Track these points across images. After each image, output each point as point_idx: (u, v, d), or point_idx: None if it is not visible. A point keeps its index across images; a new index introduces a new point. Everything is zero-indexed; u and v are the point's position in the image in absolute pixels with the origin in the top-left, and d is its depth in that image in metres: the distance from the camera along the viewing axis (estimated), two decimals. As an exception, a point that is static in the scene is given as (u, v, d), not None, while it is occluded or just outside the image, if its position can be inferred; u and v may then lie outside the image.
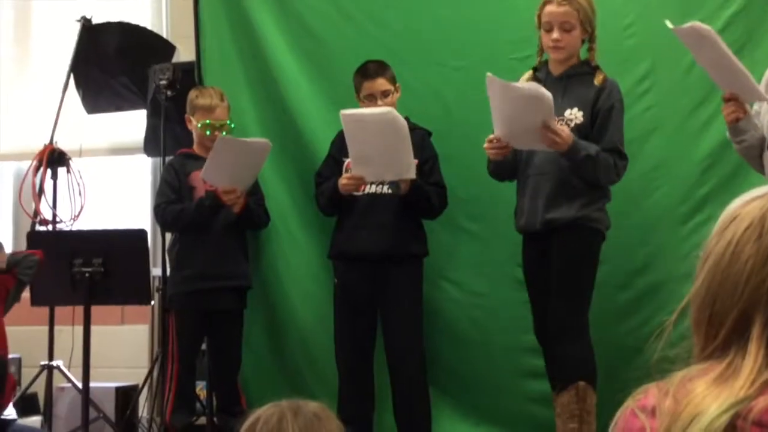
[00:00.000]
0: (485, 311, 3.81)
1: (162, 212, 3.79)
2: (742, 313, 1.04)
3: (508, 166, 3.37)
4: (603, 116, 3.24)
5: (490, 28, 3.84)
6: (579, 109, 3.25)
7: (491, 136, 3.23)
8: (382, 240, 3.59)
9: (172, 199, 3.81)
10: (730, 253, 1.06)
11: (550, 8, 3.23)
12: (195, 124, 3.81)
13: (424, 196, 3.58)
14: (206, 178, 3.68)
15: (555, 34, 3.22)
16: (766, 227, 1.05)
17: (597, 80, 3.25)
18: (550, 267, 3.24)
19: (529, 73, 3.37)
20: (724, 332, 1.06)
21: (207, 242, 3.77)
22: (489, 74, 3.14)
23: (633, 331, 3.39)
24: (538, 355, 3.53)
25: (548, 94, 3.07)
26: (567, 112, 3.26)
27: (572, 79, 3.30)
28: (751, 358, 1.02)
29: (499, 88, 3.12)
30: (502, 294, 3.76)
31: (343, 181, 3.54)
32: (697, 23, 2.94)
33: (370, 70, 3.65)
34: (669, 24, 2.97)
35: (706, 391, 1.02)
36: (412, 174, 3.49)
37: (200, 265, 3.75)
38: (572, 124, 3.24)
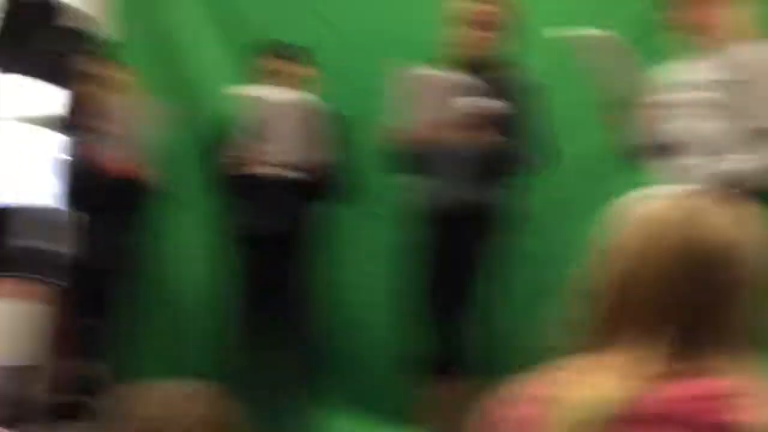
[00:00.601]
0: (386, 296, 3.77)
1: None
2: (652, 308, 1.06)
3: (415, 156, 3.35)
4: (519, 107, 3.26)
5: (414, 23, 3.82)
6: (494, 98, 3.24)
7: (401, 124, 3.23)
8: (283, 219, 3.58)
9: None
10: (645, 250, 1.08)
11: (474, 5, 3.27)
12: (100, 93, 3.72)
13: (329, 183, 3.58)
14: None
15: (477, 31, 3.25)
16: (683, 228, 1.07)
17: (513, 73, 3.29)
18: (456, 252, 3.29)
19: (448, 65, 3.35)
20: (633, 329, 1.07)
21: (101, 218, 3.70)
22: (398, 67, 3.15)
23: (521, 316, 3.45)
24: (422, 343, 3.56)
25: (457, 85, 3.14)
26: (484, 100, 3.24)
27: (486, 70, 3.29)
28: (660, 351, 1.04)
29: (410, 77, 3.15)
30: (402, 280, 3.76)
31: (246, 157, 3.51)
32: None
33: (285, 50, 3.63)
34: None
35: (600, 380, 1.04)
36: (318, 157, 3.47)
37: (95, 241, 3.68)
38: (488, 112, 3.23)
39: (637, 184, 1.26)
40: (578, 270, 1.12)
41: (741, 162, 2.76)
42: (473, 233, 3.26)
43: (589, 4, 3.75)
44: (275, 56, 3.62)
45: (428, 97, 3.13)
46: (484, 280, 3.31)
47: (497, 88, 3.26)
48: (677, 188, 1.14)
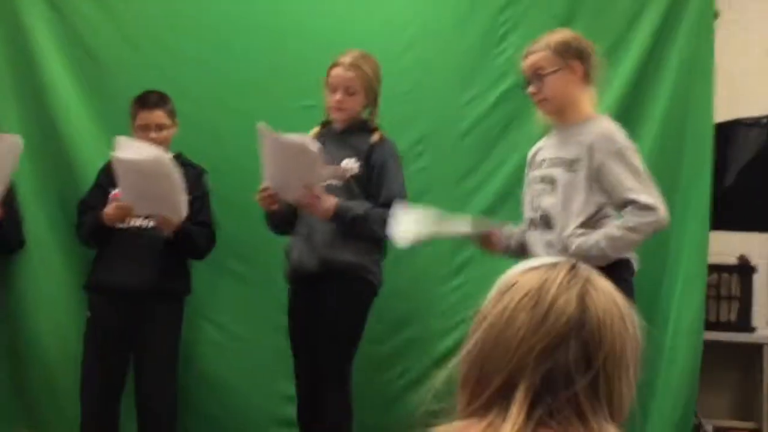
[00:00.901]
0: (244, 356, 3.77)
1: None
2: (509, 376, 1.08)
3: (280, 216, 3.40)
4: (378, 171, 3.35)
5: (278, 71, 3.85)
6: (356, 161, 3.35)
7: (262, 186, 3.27)
8: (143, 274, 3.47)
9: None
10: (506, 318, 1.11)
11: (337, 71, 3.36)
12: None
13: (189, 239, 3.51)
14: None
15: (338, 96, 3.35)
16: (542, 298, 1.11)
17: (374, 138, 3.38)
18: (320, 313, 3.29)
19: (315, 129, 3.47)
20: (489, 392, 1.10)
21: None
22: (260, 124, 3.18)
23: (391, 382, 3.46)
24: (290, 403, 3.52)
25: (315, 149, 3.15)
26: (344, 162, 3.35)
27: (352, 134, 3.41)
28: (511, 420, 1.06)
29: (270, 138, 3.18)
30: (265, 339, 3.74)
31: (109, 210, 3.41)
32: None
33: (149, 100, 3.55)
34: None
35: None
36: (181, 214, 3.41)
37: None
38: (348, 175, 3.33)
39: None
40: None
41: (586, 236, 2.89)
42: (337, 294, 3.30)
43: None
44: (140, 107, 3.55)
45: (288, 160, 3.18)
46: (346, 341, 3.32)
47: (358, 151, 3.36)
48: (542, 260, 1.19)
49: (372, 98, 3.41)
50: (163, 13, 3.91)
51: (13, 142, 3.39)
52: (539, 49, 2.95)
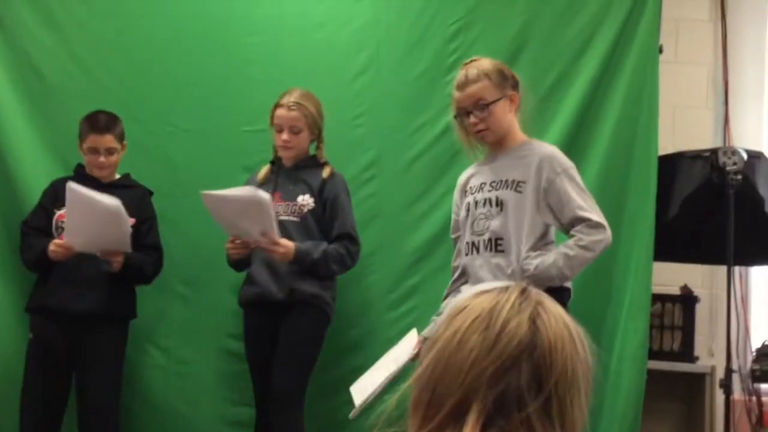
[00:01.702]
0: (190, 380, 3.72)
1: None
2: (462, 398, 1.08)
3: (245, 260, 3.49)
4: (331, 205, 3.47)
5: (227, 97, 3.84)
6: (310, 196, 3.46)
7: (231, 237, 3.38)
8: (87, 299, 3.42)
9: None
10: (457, 341, 1.11)
11: (280, 112, 3.46)
12: None
13: (136, 270, 3.48)
14: None
15: (285, 136, 3.46)
16: (493, 320, 1.11)
17: (325, 173, 3.49)
18: (281, 338, 3.35)
19: (267, 167, 3.57)
20: (441, 415, 1.09)
21: None
22: (203, 192, 3.30)
23: (337, 408, 3.44)
24: (242, 428, 3.49)
25: (265, 198, 3.25)
26: (300, 198, 3.46)
27: (302, 170, 3.51)
28: None
29: (215, 200, 3.30)
30: (210, 363, 3.70)
31: (52, 247, 3.36)
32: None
33: (100, 122, 3.50)
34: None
35: None
36: (127, 248, 3.39)
37: None
38: (305, 210, 3.45)
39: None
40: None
41: (542, 257, 2.93)
42: (299, 322, 3.38)
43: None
44: (89, 130, 3.50)
45: (240, 213, 3.29)
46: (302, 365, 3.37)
47: (311, 186, 3.47)
48: (493, 284, 1.19)
49: (317, 133, 3.52)
50: (112, 35, 3.88)
51: None
52: (477, 79, 2.98)
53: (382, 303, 3.73)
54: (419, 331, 3.12)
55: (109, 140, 3.49)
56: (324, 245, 3.42)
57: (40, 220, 3.51)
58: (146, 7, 3.92)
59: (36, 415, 3.41)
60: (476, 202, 3.04)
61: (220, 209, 3.33)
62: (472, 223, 3.04)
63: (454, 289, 3.12)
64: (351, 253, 3.46)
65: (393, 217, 3.77)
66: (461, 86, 3.00)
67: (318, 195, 3.47)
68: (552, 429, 1.08)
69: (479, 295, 1.16)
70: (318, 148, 3.55)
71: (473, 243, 3.03)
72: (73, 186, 3.30)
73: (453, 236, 3.20)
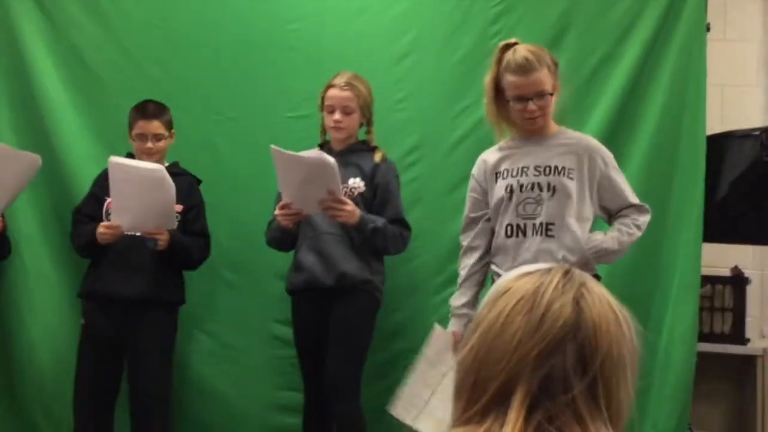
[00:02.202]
0: (238, 365, 3.76)
1: None
2: (506, 381, 1.08)
3: (290, 236, 3.45)
4: (383, 190, 3.43)
5: (270, 84, 3.86)
6: (361, 179, 3.43)
7: (283, 203, 3.31)
8: (136, 283, 3.46)
9: None
10: (501, 323, 1.11)
11: (333, 92, 3.42)
12: None
13: (183, 250, 3.51)
14: None
15: (336, 116, 3.41)
16: (537, 302, 1.11)
17: (377, 157, 3.46)
18: (333, 325, 3.33)
19: (315, 149, 3.47)
20: (485, 399, 1.09)
21: None
22: (273, 146, 3.23)
23: (382, 393, 3.45)
24: (287, 413, 3.52)
25: (332, 160, 3.19)
26: (351, 181, 3.42)
27: (353, 154, 3.48)
28: (509, 426, 1.06)
29: (284, 158, 3.23)
30: (258, 349, 3.74)
31: (100, 230, 3.41)
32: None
33: (148, 109, 3.55)
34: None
35: None
36: (172, 225, 3.42)
37: None
38: (356, 193, 3.40)
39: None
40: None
41: (603, 235, 2.99)
42: (351, 308, 3.36)
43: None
44: (137, 117, 3.55)
45: (306, 176, 3.22)
46: (357, 353, 3.36)
47: (362, 170, 3.43)
48: (535, 266, 1.19)
49: (368, 117, 3.49)
50: (158, 26, 3.92)
51: (32, 161, 3.40)
52: (539, 67, 2.96)
53: (428, 287, 3.73)
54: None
55: (156, 126, 3.54)
56: (384, 220, 3.39)
57: (91, 207, 3.56)
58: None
59: (89, 400, 3.47)
60: (521, 185, 3.03)
61: (287, 169, 3.25)
62: (517, 205, 3.03)
63: (478, 270, 3.12)
64: (404, 237, 3.45)
65: (436, 201, 3.76)
66: (522, 71, 2.97)
67: (369, 179, 3.43)
68: (598, 411, 1.08)
69: (522, 277, 1.15)
70: (368, 132, 3.52)
71: (518, 225, 3.03)
72: (114, 159, 3.33)
73: (473, 215, 3.19)
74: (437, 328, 3.24)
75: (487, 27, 3.79)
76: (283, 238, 3.48)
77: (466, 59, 3.80)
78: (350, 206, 3.29)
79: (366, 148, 3.50)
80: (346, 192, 3.37)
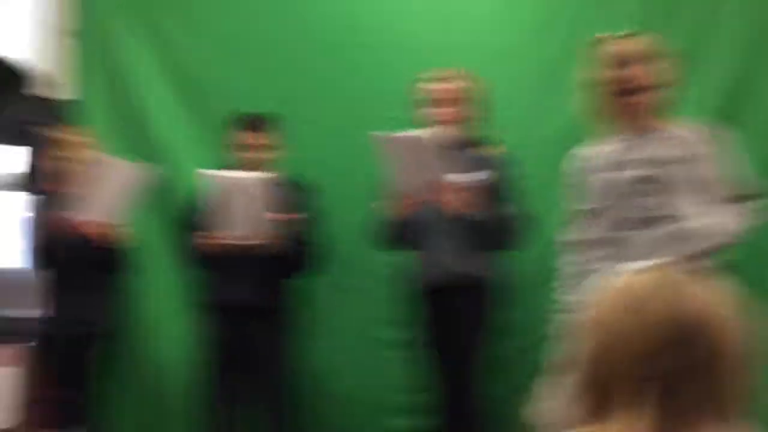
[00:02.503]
0: (354, 367, 3.83)
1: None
2: (627, 379, 1.08)
3: (402, 225, 3.40)
4: (502, 184, 3.37)
5: (371, 83, 3.91)
6: (479, 173, 3.35)
7: (398, 192, 3.26)
8: (252, 291, 3.55)
9: None
10: (616, 321, 1.11)
11: (439, 85, 3.42)
12: (62, 156, 3.70)
13: (294, 257, 3.56)
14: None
15: (444, 109, 3.39)
16: (651, 300, 1.10)
17: (493, 150, 3.41)
18: (455, 324, 3.33)
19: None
20: (608, 397, 1.09)
21: (73, 282, 3.65)
22: (373, 133, 3.21)
23: (502, 388, 3.44)
24: (405, 415, 3.57)
25: (430, 138, 3.16)
26: (471, 174, 3.34)
27: (467, 147, 3.40)
28: (636, 424, 1.06)
29: (386, 142, 3.18)
30: (372, 351, 3.78)
31: (208, 240, 3.49)
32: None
33: (249, 121, 3.64)
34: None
35: None
36: (280, 232, 3.48)
37: (68, 306, 3.63)
38: (478, 184, 3.32)
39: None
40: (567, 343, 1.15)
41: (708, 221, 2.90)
42: (465, 305, 3.34)
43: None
44: (242, 128, 3.63)
45: (410, 157, 3.16)
46: (475, 353, 3.36)
47: (475, 162, 3.37)
48: (653, 262, 1.18)
49: (477, 109, 3.44)
50: (261, 36, 4.02)
51: (140, 172, 3.56)
52: (639, 60, 2.92)
53: (539, 282, 3.69)
54: None
55: (259, 137, 3.61)
56: (505, 211, 3.34)
57: (197, 217, 3.64)
58: (288, 5, 4.02)
59: (217, 406, 3.57)
60: (633, 178, 2.98)
61: (392, 152, 3.17)
62: (629, 197, 2.99)
63: (588, 266, 3.06)
64: (518, 230, 3.37)
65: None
66: (622, 64, 2.93)
67: (488, 172, 3.36)
68: (720, 407, 1.07)
69: (634, 275, 1.14)
70: (478, 125, 3.45)
71: (626, 219, 2.98)
72: (214, 172, 3.45)
73: (578, 208, 3.14)
74: None
75: (576, 20, 3.75)
76: (399, 230, 3.40)
77: (557, 55, 3.75)
78: (465, 194, 3.23)
79: (479, 140, 3.44)
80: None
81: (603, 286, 1.17)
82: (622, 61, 2.92)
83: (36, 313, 4.01)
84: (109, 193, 3.53)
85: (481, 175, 3.35)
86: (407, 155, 3.16)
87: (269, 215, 3.42)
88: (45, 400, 3.69)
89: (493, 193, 3.36)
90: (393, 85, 3.79)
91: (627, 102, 2.94)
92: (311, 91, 3.96)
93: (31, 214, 3.97)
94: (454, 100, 3.38)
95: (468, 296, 3.33)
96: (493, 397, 3.38)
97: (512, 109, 3.78)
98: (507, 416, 3.26)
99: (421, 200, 3.23)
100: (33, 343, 4.12)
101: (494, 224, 3.29)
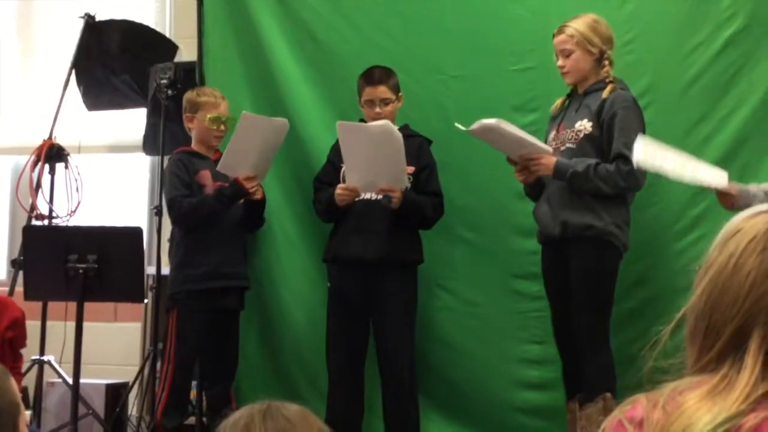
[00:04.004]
0: (480, 320, 3.81)
1: (179, 204, 3.75)
2: (740, 325, 1.05)
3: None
4: (608, 126, 3.30)
5: (492, 39, 3.85)
6: (588, 120, 3.33)
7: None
8: (376, 246, 3.60)
9: (186, 193, 3.78)
10: (732, 265, 1.07)
11: (555, 39, 3.40)
12: (200, 119, 3.81)
13: (417, 209, 3.60)
14: (224, 168, 3.67)
15: (559, 62, 3.39)
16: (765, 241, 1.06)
17: (605, 93, 3.34)
18: (569, 278, 3.30)
19: (561, 99, 3.48)
20: (720, 344, 1.06)
21: (213, 242, 3.76)
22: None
23: (628, 342, 3.39)
24: (531, 366, 3.55)
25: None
26: (577, 124, 3.35)
27: (589, 95, 3.39)
28: (747, 371, 1.02)
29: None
30: (498, 304, 3.77)
31: (338, 191, 3.57)
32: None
33: (374, 76, 3.68)
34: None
35: (698, 404, 1.02)
36: (404, 184, 3.52)
37: (208, 264, 3.74)
38: (581, 135, 3.32)
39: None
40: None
41: None
42: (587, 261, 3.29)
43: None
44: (365, 83, 3.68)
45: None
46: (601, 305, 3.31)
47: (588, 110, 3.35)
48: (765, 206, 1.13)
49: (597, 52, 3.36)
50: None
51: (283, 125, 3.67)
52: None
53: (667, 235, 3.61)
54: None
55: (383, 91, 3.65)
56: (592, 161, 3.27)
57: (329, 175, 3.74)
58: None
59: (340, 358, 3.66)
60: None
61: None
62: None
63: None
64: (622, 172, 3.24)
65: (672, 144, 3.61)
66: None
67: (597, 117, 3.32)
68: None
69: (752, 218, 1.10)
70: (602, 66, 3.38)
71: None
72: (341, 123, 3.50)
73: None
74: (723, 174, 3.17)
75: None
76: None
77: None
78: (544, 158, 3.27)
79: (601, 86, 3.38)
80: (572, 136, 3.32)
81: (720, 232, 1.13)
82: None
83: (151, 270, 4.20)
84: (254, 148, 3.61)
85: (589, 124, 3.33)
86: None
87: (397, 163, 3.45)
88: (178, 357, 3.82)
89: (599, 140, 3.34)
90: (521, 38, 3.76)
91: None
92: (437, 45, 3.92)
93: (157, 176, 4.11)
94: (563, 51, 3.37)
95: (580, 250, 3.29)
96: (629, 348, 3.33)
97: (651, 55, 3.68)
98: (632, 370, 3.21)
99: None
100: (150, 301, 4.32)
101: (573, 176, 3.28)
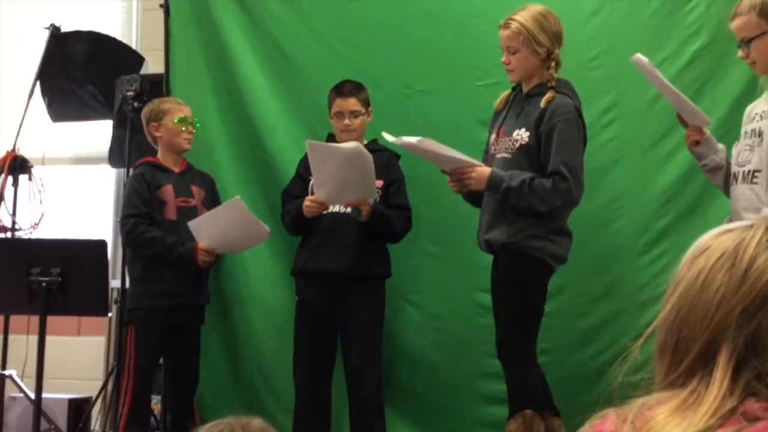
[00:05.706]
0: (445, 335, 3.83)
1: (131, 228, 3.70)
2: (709, 341, 1.05)
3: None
4: (546, 138, 3.14)
5: (459, 54, 3.88)
6: (526, 130, 3.20)
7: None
8: (344, 259, 3.60)
9: (143, 212, 3.73)
10: (701, 281, 1.08)
11: (501, 33, 3.27)
12: (167, 124, 3.78)
13: (386, 221, 3.60)
14: (194, 229, 3.65)
15: (503, 58, 3.27)
16: (739, 257, 1.07)
17: (543, 102, 3.18)
18: (498, 288, 3.27)
19: (506, 93, 3.39)
20: (689, 359, 1.07)
21: None
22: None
23: (593, 357, 3.42)
24: (496, 380, 3.55)
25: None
26: (515, 133, 3.22)
27: (531, 98, 3.26)
28: (716, 386, 1.03)
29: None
30: (463, 318, 3.78)
31: (306, 203, 3.56)
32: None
33: (345, 88, 3.68)
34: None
35: (667, 419, 1.02)
36: (373, 195, 3.53)
37: (166, 281, 3.71)
38: (516, 145, 3.21)
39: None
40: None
41: None
42: (508, 274, 3.22)
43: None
44: (335, 95, 3.68)
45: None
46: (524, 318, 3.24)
47: (526, 119, 3.25)
48: (735, 224, 1.14)
49: (543, 51, 3.19)
50: (348, 7, 4.02)
51: (262, 232, 3.71)
52: (743, 12, 2.81)
53: (632, 248, 3.64)
54: None
55: (353, 103, 3.66)
56: (527, 176, 3.10)
57: (297, 188, 3.74)
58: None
59: (307, 373, 3.64)
60: (745, 133, 2.91)
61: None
62: (737, 153, 2.91)
63: None
64: (559, 190, 3.08)
65: (636, 159, 3.66)
66: (730, 17, 2.86)
67: (534, 128, 3.15)
68: None
69: (721, 235, 1.11)
70: (547, 68, 3.19)
71: (734, 174, 2.90)
72: (312, 143, 3.49)
73: None
74: None
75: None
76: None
77: (661, 9, 3.66)
78: (476, 171, 3.15)
79: (542, 90, 3.19)
80: (508, 145, 3.21)
81: (689, 249, 1.14)
82: (733, 14, 2.85)
83: (116, 284, 4.16)
84: (226, 229, 3.63)
85: (526, 134, 3.21)
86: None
87: (365, 179, 3.45)
88: (140, 370, 3.78)
89: (537, 152, 3.23)
90: (487, 53, 3.72)
91: (741, 58, 2.87)
92: (404, 59, 3.94)
93: (122, 189, 4.08)
94: (508, 47, 3.25)
95: (503, 263, 3.22)
96: (584, 365, 3.34)
97: (617, 70, 3.69)
98: (597, 385, 3.24)
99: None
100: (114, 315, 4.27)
101: (506, 191, 3.14)
